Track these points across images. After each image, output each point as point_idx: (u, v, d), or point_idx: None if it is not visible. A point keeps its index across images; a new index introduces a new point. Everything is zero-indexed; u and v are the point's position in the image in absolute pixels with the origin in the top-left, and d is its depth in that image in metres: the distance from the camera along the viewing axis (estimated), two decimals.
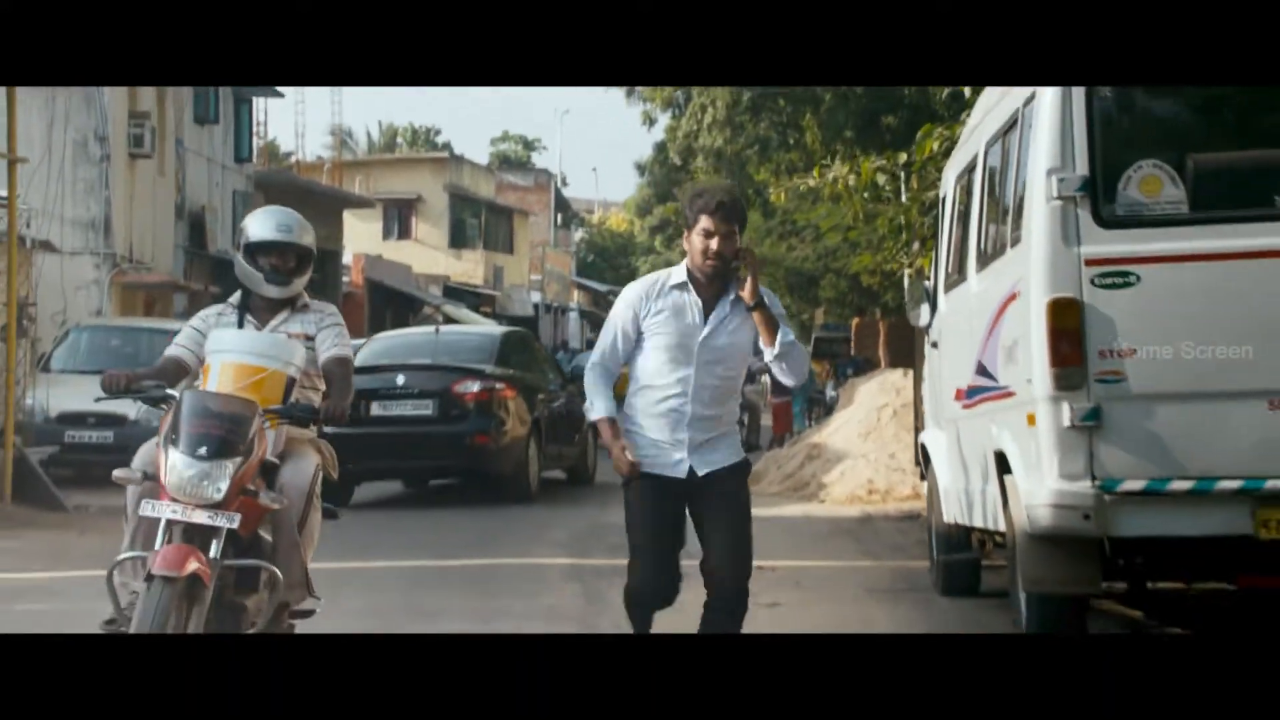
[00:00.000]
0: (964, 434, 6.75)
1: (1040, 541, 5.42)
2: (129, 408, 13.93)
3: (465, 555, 9.25)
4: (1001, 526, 5.99)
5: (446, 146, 59.61)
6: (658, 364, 4.74)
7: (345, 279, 30.36)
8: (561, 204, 50.70)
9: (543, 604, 7.33)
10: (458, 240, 38.54)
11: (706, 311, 4.73)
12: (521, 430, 12.53)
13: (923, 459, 7.99)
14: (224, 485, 4.30)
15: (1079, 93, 5.36)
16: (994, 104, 6.48)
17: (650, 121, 20.22)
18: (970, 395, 6.52)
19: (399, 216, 38.34)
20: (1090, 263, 5.29)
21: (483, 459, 12.26)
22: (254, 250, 4.85)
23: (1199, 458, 5.23)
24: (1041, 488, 5.34)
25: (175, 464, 4.30)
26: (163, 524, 4.29)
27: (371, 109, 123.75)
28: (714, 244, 4.67)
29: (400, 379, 12.31)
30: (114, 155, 17.99)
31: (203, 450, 4.31)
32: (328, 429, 5.02)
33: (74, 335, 15.68)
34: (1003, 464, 5.84)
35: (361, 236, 34.44)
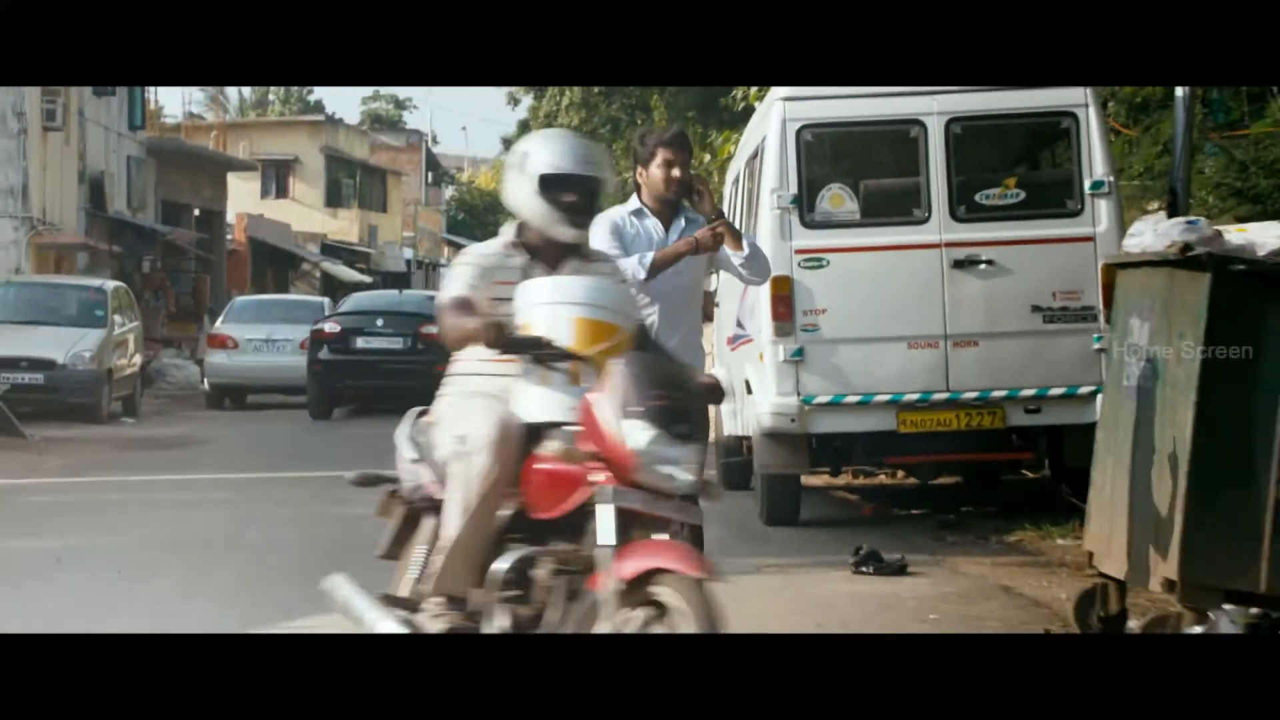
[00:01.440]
0: (732, 368, 9.38)
1: (767, 438, 8.08)
2: (57, 352, 16.07)
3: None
4: (749, 431, 8.64)
5: (319, 105, 60.88)
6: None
7: (229, 237, 32.10)
8: (432, 163, 52.51)
9: None
10: (334, 199, 40.29)
11: (666, 230, 5.25)
12: None
13: None
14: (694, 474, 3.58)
15: (791, 134, 7.98)
16: (750, 133, 9.10)
17: (515, 102, 22.55)
18: (734, 340, 9.15)
19: (277, 177, 39.93)
20: (798, 252, 7.93)
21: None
22: (547, 184, 4.01)
23: (864, 380, 7.93)
24: (766, 402, 8.00)
25: (650, 443, 3.54)
26: (613, 511, 3.54)
27: None
28: (674, 171, 5.15)
29: (379, 320, 17.01)
30: (30, 129, 19.77)
31: (682, 429, 3.57)
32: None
33: (1, 290, 17.60)
34: (748, 388, 8.48)
35: (242, 196, 35.96)
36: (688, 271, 5.20)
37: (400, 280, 44.00)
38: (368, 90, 62.74)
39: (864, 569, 6.83)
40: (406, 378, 15.87)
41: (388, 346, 16.64)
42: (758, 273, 5.38)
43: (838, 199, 8.05)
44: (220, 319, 20.42)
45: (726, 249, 5.22)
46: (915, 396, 7.91)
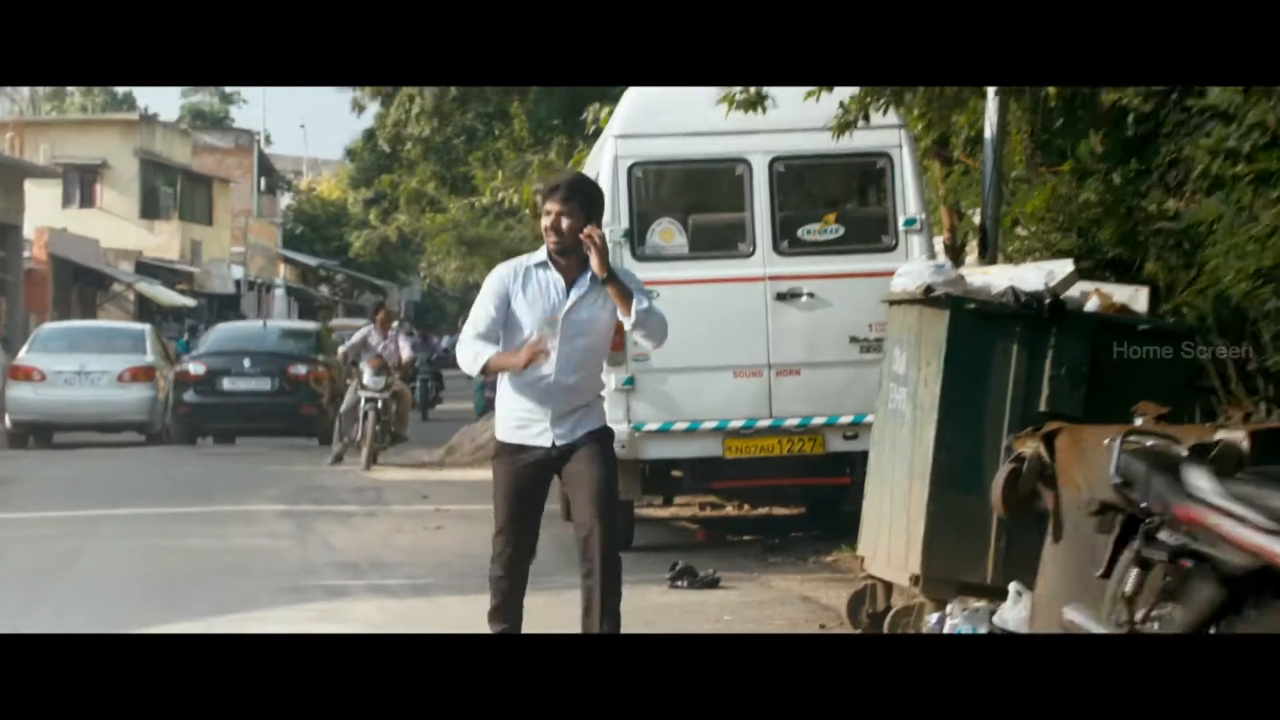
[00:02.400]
0: None
1: None
2: None
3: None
4: None
5: (129, 100, 61.84)
6: (524, 339, 5.85)
7: (26, 254, 33.21)
8: (266, 168, 53.85)
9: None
10: (150, 210, 41.47)
11: (568, 288, 5.89)
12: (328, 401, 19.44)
13: None
14: None
15: (623, 170, 9.90)
16: (589, 165, 11.00)
17: (360, 109, 24.30)
18: None
19: (81, 183, 40.99)
20: None
21: (308, 423, 19.41)
22: None
23: (691, 407, 9.86)
24: None
25: None
26: None
27: None
28: (552, 220, 5.81)
29: (246, 361, 19.91)
30: None
31: None
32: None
33: None
34: None
35: (40, 204, 36.74)
36: (590, 334, 5.94)
37: (229, 303, 45.31)
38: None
39: (679, 583, 8.73)
40: (274, 418, 19.46)
41: (255, 389, 19.87)
42: (651, 336, 6.02)
43: (668, 233, 10.00)
44: (25, 348, 21.82)
45: (619, 314, 5.89)
46: (740, 423, 9.86)
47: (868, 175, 10.17)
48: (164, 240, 41.38)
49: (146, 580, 9.13)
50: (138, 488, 14.82)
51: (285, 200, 58.54)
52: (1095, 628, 5.71)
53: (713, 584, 8.77)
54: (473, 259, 28.27)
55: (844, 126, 8.16)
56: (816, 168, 10.08)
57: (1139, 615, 5.55)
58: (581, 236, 5.85)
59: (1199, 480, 5.26)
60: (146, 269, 38.63)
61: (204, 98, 63.95)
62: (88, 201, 40.99)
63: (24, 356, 21.29)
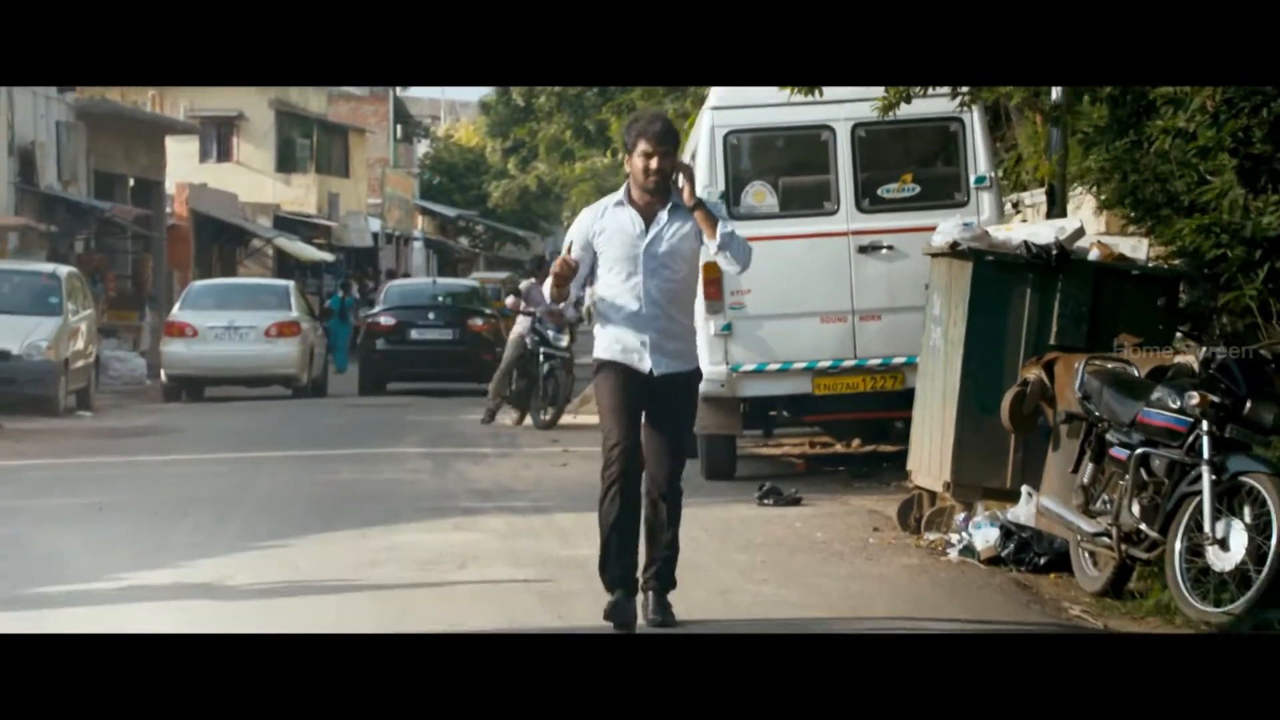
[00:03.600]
0: None
1: (703, 402, 12.22)
2: (12, 342, 20.24)
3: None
4: None
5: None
6: (613, 275, 6.86)
7: (169, 210, 36.38)
8: (402, 115, 56.79)
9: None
10: (286, 163, 44.52)
11: (646, 223, 6.83)
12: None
13: None
14: None
15: (719, 139, 12.13)
16: (692, 136, 13.23)
17: None
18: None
19: (218, 137, 44.19)
20: None
21: (486, 370, 22.05)
22: None
23: (783, 350, 12.10)
24: (705, 369, 12.16)
25: None
26: None
27: None
28: (653, 163, 6.76)
29: (431, 314, 24.31)
30: None
31: None
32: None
33: None
34: None
35: (178, 159, 39.86)
36: (673, 266, 6.91)
37: (366, 257, 48.38)
38: None
39: (766, 500, 11.01)
40: (456, 365, 23.63)
41: (439, 338, 23.95)
42: (736, 260, 6.98)
43: (760, 194, 12.23)
44: (177, 305, 24.73)
45: (704, 238, 6.90)
46: (828, 363, 12.09)
47: (941, 138, 12.28)
48: (301, 193, 44.38)
49: (307, 504, 11.65)
50: (290, 435, 17.50)
51: (422, 148, 61.45)
52: (1063, 512, 7.96)
53: (795, 501, 11.04)
54: None
55: (893, 103, 10.26)
56: (894, 132, 12.19)
57: (1097, 502, 7.78)
58: (680, 170, 6.87)
59: (1163, 396, 7.40)
60: (284, 223, 41.61)
61: None
62: (225, 155, 44.13)
63: (177, 313, 24.17)
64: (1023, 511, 8.71)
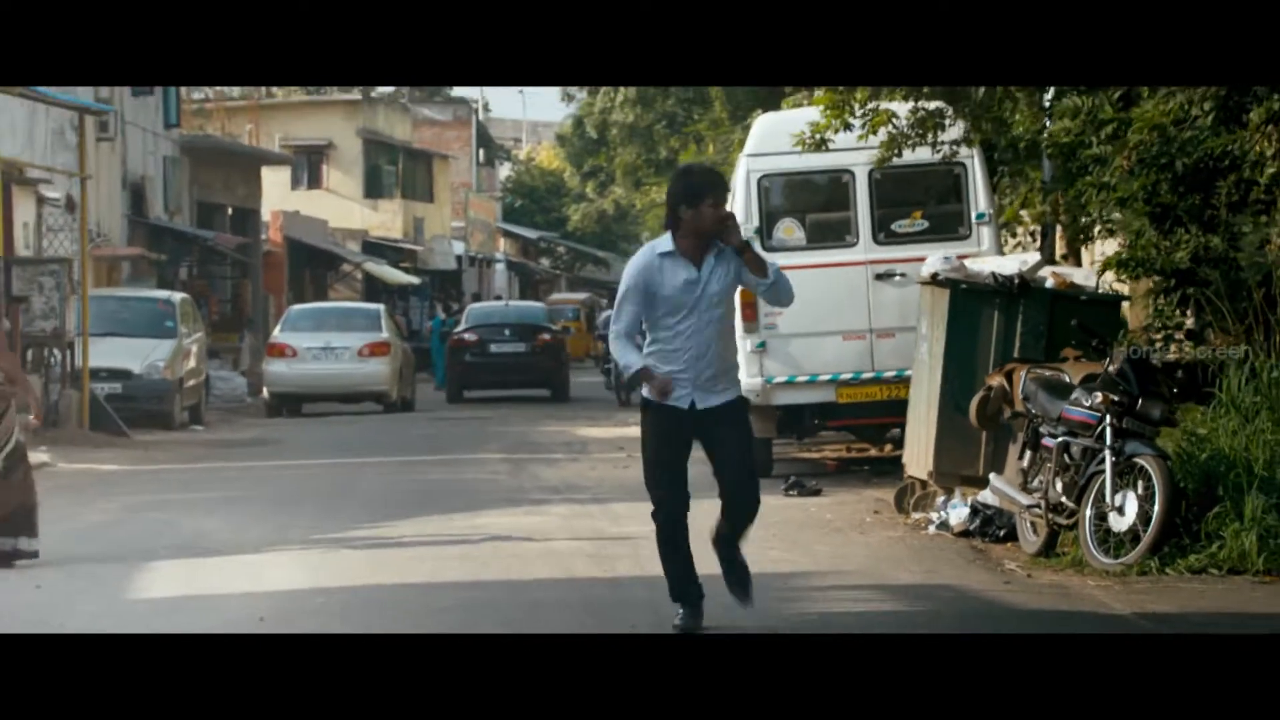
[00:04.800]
0: None
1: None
2: (133, 362, 22.86)
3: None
4: None
5: None
6: (666, 319, 7.52)
7: (264, 237, 39.06)
8: (484, 139, 59.45)
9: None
10: (373, 189, 47.21)
11: (697, 267, 7.51)
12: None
13: None
14: None
15: (754, 181, 14.38)
16: (732, 178, 15.52)
17: (569, 98, 29.24)
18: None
19: (309, 164, 46.93)
20: None
21: (552, 378, 28.34)
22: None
23: (811, 363, 14.33)
24: (743, 381, 14.44)
25: None
26: None
27: None
28: (720, 210, 7.55)
29: (506, 330, 28.84)
30: (85, 141, 26.73)
31: None
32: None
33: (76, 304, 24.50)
34: None
35: (272, 187, 42.61)
36: (721, 305, 7.63)
37: (451, 279, 50.96)
38: None
39: (791, 492, 13.22)
40: (529, 374, 28.40)
41: (514, 351, 28.50)
42: (780, 299, 7.77)
43: (789, 229, 14.47)
44: (278, 327, 27.29)
45: (750, 275, 7.59)
46: (849, 375, 14.29)
47: (947, 180, 14.45)
48: (387, 218, 47.04)
49: (403, 497, 13.98)
50: (384, 443, 19.91)
51: (504, 171, 64.07)
52: (1009, 491, 10.13)
53: (815, 493, 13.25)
54: None
55: (886, 157, 12.47)
56: (906, 175, 14.38)
57: (1033, 481, 9.95)
58: (727, 217, 7.63)
59: (1078, 396, 9.59)
60: (372, 248, 44.25)
61: None
62: (315, 182, 46.86)
63: (278, 335, 26.72)
64: (989, 496, 10.88)
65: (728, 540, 7.91)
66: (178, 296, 24.95)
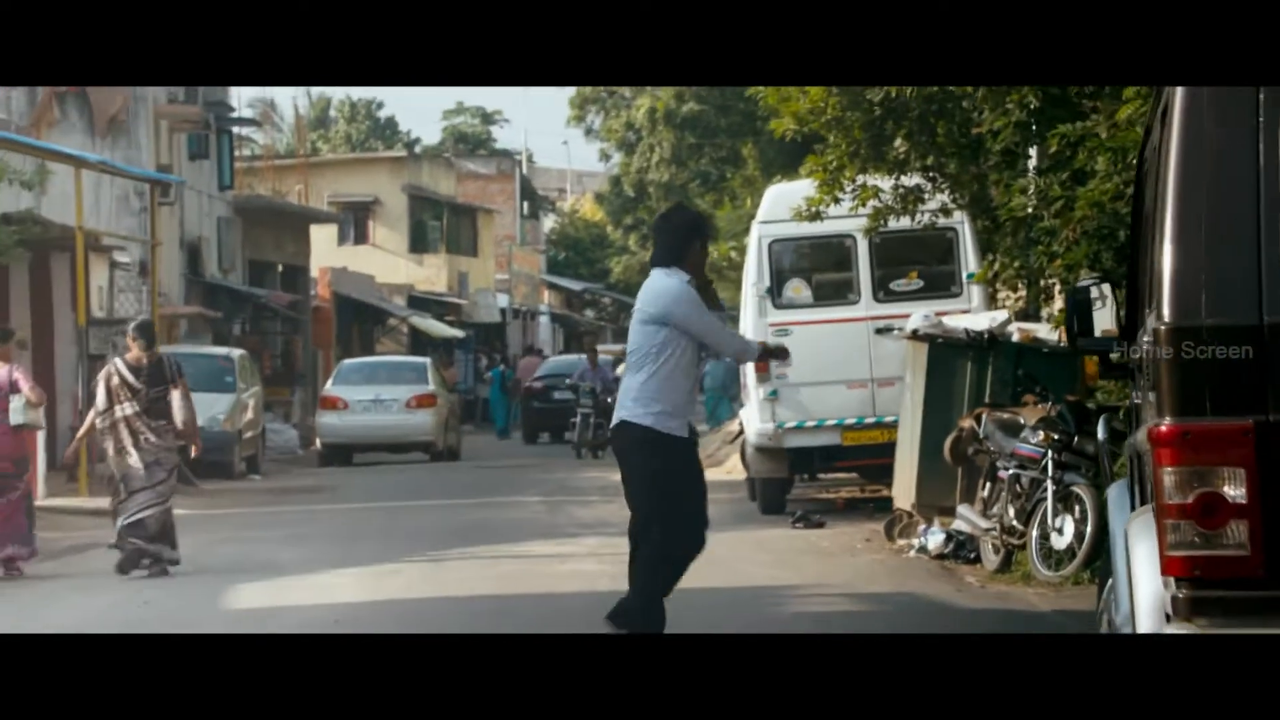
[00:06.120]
0: (743, 406, 17.81)
1: (756, 451, 16.55)
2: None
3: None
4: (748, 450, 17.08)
5: (391, 125, 70.78)
6: (672, 347, 8.41)
7: (312, 293, 41.33)
8: (528, 192, 61.75)
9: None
10: (418, 244, 49.46)
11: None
12: None
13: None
14: None
15: (765, 245, 16.44)
16: (750, 234, 17.57)
17: (606, 158, 31.40)
18: (747, 386, 17.64)
19: (355, 221, 49.24)
20: (771, 325, 16.39)
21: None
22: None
23: (818, 410, 16.35)
24: (753, 428, 16.49)
25: None
26: None
27: None
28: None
29: (567, 379, 31.36)
30: (148, 206, 29.05)
31: None
32: None
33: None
34: (749, 417, 16.94)
35: (319, 243, 44.90)
36: (686, 358, 8.58)
37: (495, 332, 53.14)
38: (449, 103, 72.15)
39: (796, 525, 15.20)
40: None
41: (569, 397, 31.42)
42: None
43: (798, 289, 16.50)
44: (330, 381, 29.46)
45: None
46: (853, 420, 16.28)
47: (940, 243, 16.46)
48: (432, 273, 49.25)
49: (447, 533, 16.01)
50: (432, 489, 22.00)
51: (549, 223, 66.34)
52: (971, 516, 12.10)
53: (819, 525, 15.23)
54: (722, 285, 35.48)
55: (872, 228, 14.51)
56: (903, 239, 16.38)
57: (991, 509, 11.92)
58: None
59: (1026, 434, 11.58)
60: (417, 302, 46.45)
61: (465, 119, 72.44)
62: (361, 238, 49.14)
63: (330, 388, 28.89)
64: (961, 524, 12.84)
65: (670, 567, 8.59)
66: (236, 353, 27.13)
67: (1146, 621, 4.56)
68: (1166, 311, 4.43)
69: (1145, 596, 4.59)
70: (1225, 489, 4.26)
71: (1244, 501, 4.27)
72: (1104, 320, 6.04)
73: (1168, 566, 4.40)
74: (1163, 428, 4.40)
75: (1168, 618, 4.40)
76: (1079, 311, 5.74)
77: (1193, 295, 4.36)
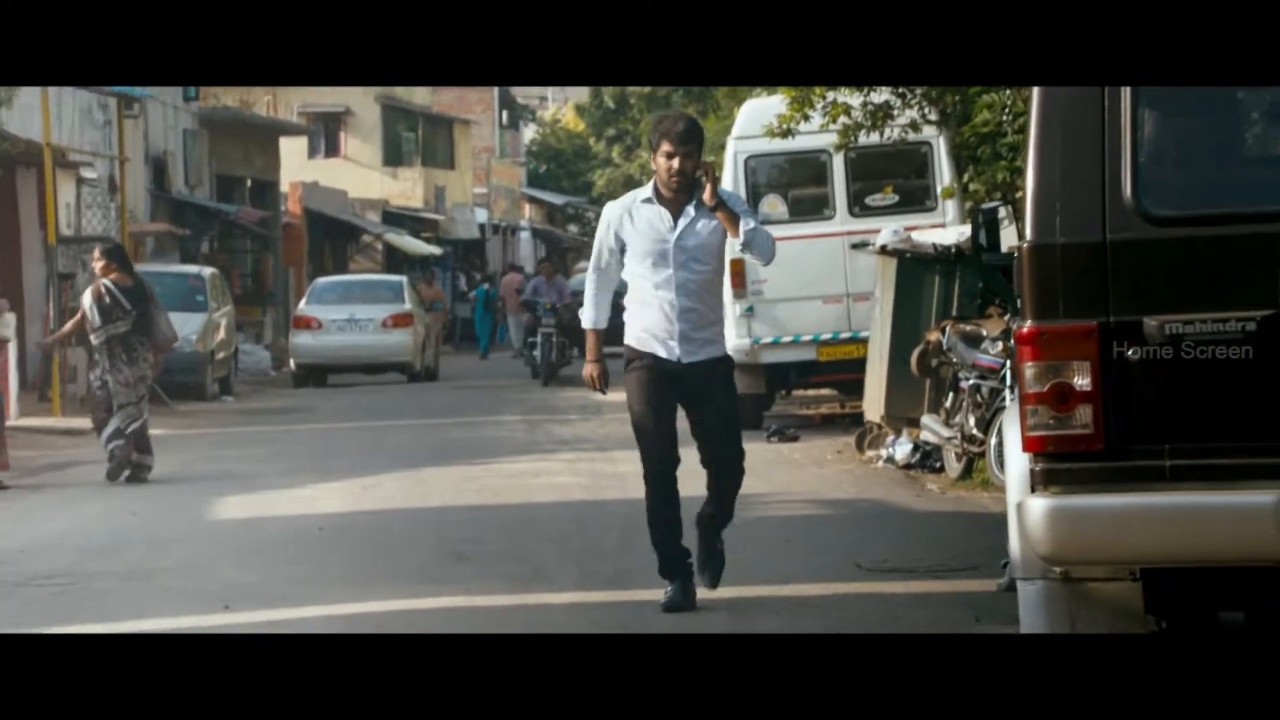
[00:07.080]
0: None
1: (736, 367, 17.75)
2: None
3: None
4: None
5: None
6: (643, 267, 8.12)
7: (282, 208, 42.31)
8: (507, 101, 62.58)
9: None
10: (393, 158, 50.43)
11: (674, 218, 8.11)
12: None
13: None
14: None
15: (740, 161, 17.56)
16: (726, 149, 18.69)
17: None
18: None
19: (326, 133, 50.15)
20: None
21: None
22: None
23: (794, 325, 17.54)
24: (730, 343, 17.60)
25: None
26: None
27: None
28: (675, 163, 8.01)
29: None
30: (113, 120, 30.04)
31: None
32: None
33: None
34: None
35: (289, 157, 45.68)
36: (703, 260, 8.17)
37: (474, 249, 54.21)
38: None
39: (772, 439, 16.40)
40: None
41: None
42: (760, 253, 8.26)
43: (773, 204, 17.63)
44: (303, 300, 30.60)
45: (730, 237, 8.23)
46: (829, 335, 17.46)
47: (915, 158, 17.58)
48: (407, 187, 50.25)
49: (426, 450, 17.18)
50: (409, 409, 23.20)
51: (528, 134, 67.17)
52: (935, 426, 13.30)
53: (793, 439, 16.44)
54: None
55: (844, 143, 15.61)
56: (879, 154, 17.48)
57: (954, 419, 13.11)
58: (700, 172, 8.06)
59: (986, 345, 12.75)
60: (392, 218, 47.48)
61: None
62: (333, 151, 50.07)
63: (304, 308, 30.02)
64: (926, 432, 14.04)
65: (713, 524, 8.54)
66: (207, 271, 28.22)
67: (1016, 492, 5.76)
68: (1029, 232, 5.61)
69: (1014, 472, 5.79)
70: (1074, 379, 5.42)
71: (1089, 389, 5.41)
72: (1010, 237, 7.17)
73: (1027, 444, 5.55)
74: (1024, 329, 5.56)
75: (1031, 489, 5.58)
76: (989, 229, 6.86)
77: (1049, 219, 5.54)
